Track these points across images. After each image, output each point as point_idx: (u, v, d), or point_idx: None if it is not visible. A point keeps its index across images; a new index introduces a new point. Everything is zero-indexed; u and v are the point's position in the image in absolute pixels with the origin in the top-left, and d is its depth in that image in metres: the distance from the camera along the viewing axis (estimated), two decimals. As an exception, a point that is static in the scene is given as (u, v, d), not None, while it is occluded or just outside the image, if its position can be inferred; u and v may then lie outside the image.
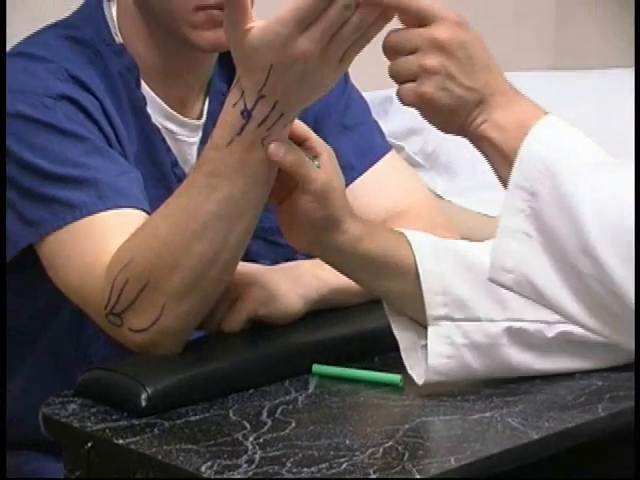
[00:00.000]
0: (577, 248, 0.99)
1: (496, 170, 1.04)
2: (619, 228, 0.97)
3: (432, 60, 1.03)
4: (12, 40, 1.39)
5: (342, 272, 1.22)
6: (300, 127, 1.17)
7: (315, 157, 1.17)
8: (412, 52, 1.04)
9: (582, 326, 1.03)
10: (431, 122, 1.07)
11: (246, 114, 1.10)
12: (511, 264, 1.03)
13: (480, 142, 1.05)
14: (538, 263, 1.01)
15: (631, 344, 1.00)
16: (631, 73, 2.47)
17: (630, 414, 1.12)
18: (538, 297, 1.04)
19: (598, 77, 2.48)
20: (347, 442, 1.07)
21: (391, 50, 1.06)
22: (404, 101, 1.06)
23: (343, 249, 1.18)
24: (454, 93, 1.04)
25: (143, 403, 1.12)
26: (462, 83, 1.04)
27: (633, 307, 0.97)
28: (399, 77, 1.06)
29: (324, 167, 1.16)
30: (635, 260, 0.97)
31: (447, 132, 1.08)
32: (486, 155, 1.05)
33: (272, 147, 1.12)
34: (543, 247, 1.01)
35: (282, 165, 1.13)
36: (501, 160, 1.04)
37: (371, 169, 1.43)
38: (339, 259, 1.19)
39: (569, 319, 1.03)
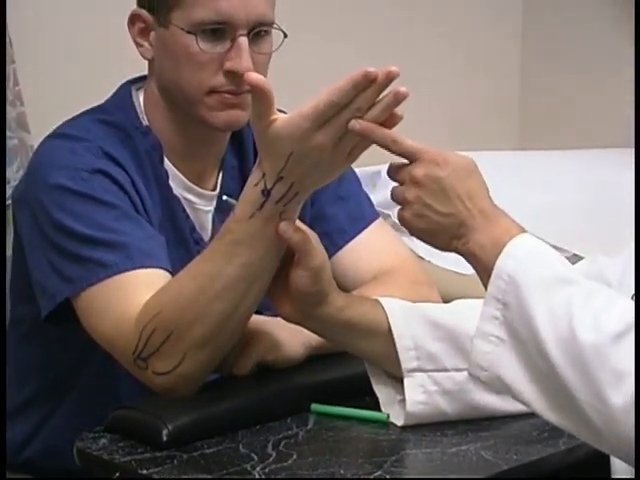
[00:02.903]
0: (535, 351, 1.02)
1: (481, 280, 1.08)
2: (567, 336, 0.99)
3: (410, 193, 1.10)
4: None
5: (326, 338, 1.24)
6: None
7: None
8: (401, 183, 1.11)
9: (547, 419, 1.04)
10: (420, 240, 1.12)
11: (266, 193, 1.12)
12: (485, 364, 1.05)
13: (467, 257, 1.10)
14: (508, 363, 1.04)
15: (588, 438, 1.02)
16: (596, 153, 2.44)
17: (585, 448, 1.12)
18: (508, 392, 1.06)
19: (561, 157, 2.44)
20: (342, 471, 1.09)
21: (390, 177, 1.13)
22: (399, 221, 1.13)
23: (328, 318, 1.19)
24: (431, 219, 1.09)
25: (164, 438, 1.14)
26: (438, 210, 1.09)
27: (583, 405, 0.98)
28: (394, 200, 1.12)
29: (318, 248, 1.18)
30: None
31: (436, 248, 1.12)
32: (474, 267, 1.09)
33: (282, 225, 1.14)
34: (512, 350, 1.04)
35: (290, 241, 1.15)
36: (483, 273, 1.07)
37: (361, 233, 1.45)
38: (324, 327, 1.21)
39: (535, 412, 1.05)
